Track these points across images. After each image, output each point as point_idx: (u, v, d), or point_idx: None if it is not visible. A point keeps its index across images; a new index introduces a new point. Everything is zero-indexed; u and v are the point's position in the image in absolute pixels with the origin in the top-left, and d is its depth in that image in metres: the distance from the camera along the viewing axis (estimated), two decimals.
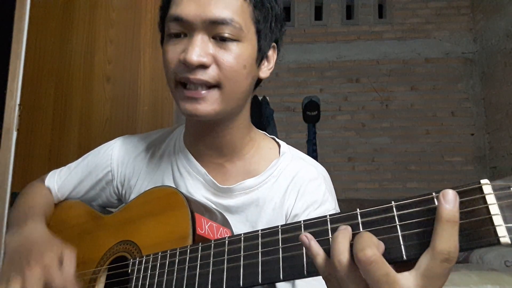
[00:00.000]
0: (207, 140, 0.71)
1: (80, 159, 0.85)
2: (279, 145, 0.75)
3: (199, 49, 0.59)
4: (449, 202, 0.35)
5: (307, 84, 4.18)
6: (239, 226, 0.68)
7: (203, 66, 0.59)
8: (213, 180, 0.70)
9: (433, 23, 4.15)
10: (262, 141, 0.75)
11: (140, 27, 1.66)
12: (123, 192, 0.79)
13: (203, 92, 0.61)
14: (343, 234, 0.39)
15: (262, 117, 3.41)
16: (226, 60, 0.60)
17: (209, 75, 0.60)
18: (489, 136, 3.85)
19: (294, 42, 4.20)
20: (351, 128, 4.09)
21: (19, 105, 1.65)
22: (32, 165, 1.62)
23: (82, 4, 1.70)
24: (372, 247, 0.35)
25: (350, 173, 3.99)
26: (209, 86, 0.61)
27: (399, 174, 3.96)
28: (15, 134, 1.63)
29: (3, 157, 1.61)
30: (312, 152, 3.87)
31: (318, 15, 4.30)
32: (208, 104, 0.61)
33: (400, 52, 4.13)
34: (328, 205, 0.68)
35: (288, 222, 0.66)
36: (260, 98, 3.59)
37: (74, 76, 1.66)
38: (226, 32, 0.60)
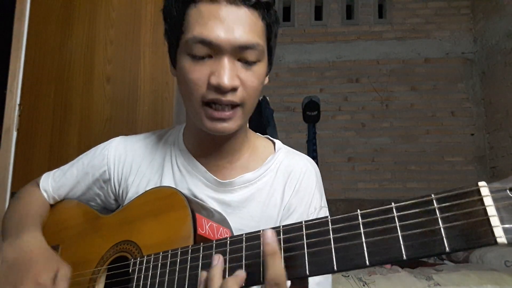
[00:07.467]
0: (210, 146, 0.73)
1: (73, 161, 0.85)
2: (273, 143, 0.80)
3: (230, 73, 0.61)
4: (267, 239, 0.44)
5: (307, 84, 4.17)
6: (243, 222, 0.70)
7: (234, 89, 0.63)
8: (213, 177, 0.72)
9: (433, 23, 4.15)
10: (256, 140, 0.79)
11: (140, 27, 1.66)
12: (120, 191, 0.79)
13: (229, 113, 0.64)
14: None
15: (262, 117, 3.40)
16: (251, 81, 0.64)
17: (237, 96, 0.63)
18: (489, 136, 3.85)
19: (294, 42, 4.20)
20: (351, 128, 4.08)
21: (19, 105, 1.65)
22: (32, 165, 1.61)
23: (82, 4, 1.70)
24: None
25: (350, 173, 3.99)
26: (234, 105, 0.64)
27: (399, 174, 3.96)
28: (15, 134, 1.64)
29: (3, 157, 1.62)
30: (312, 152, 3.86)
31: (318, 15, 4.29)
32: (234, 121, 0.65)
33: (400, 52, 4.13)
34: (316, 202, 0.74)
35: (282, 213, 0.72)
36: (260, 98, 3.58)
37: (74, 76, 1.66)
38: (253, 56, 0.63)
